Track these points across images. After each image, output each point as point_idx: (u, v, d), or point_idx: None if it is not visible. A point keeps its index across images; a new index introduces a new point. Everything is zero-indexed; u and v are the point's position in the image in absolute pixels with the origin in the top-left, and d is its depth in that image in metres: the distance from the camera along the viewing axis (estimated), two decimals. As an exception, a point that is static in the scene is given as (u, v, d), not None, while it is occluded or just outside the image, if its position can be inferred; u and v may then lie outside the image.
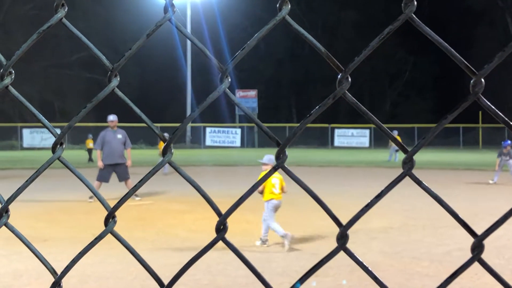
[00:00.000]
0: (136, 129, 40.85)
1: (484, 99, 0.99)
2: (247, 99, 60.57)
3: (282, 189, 9.17)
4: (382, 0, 64.12)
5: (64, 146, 1.20)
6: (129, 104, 1.17)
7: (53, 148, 1.19)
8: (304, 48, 71.24)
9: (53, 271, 1.23)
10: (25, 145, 52.96)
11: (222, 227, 1.12)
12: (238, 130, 57.68)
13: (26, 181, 1.23)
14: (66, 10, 1.17)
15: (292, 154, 40.23)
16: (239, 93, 61.00)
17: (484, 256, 1.01)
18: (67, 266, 1.22)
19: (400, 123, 53.74)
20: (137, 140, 49.83)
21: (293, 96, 73.64)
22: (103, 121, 15.50)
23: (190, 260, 1.15)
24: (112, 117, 14.94)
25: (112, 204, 1.21)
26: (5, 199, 1.28)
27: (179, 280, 1.19)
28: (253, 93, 61.34)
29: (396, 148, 31.75)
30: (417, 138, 51.35)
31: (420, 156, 33.19)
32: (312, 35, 1.11)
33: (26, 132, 53.26)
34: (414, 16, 1.00)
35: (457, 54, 0.99)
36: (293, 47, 68.62)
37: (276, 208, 9.07)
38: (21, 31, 54.04)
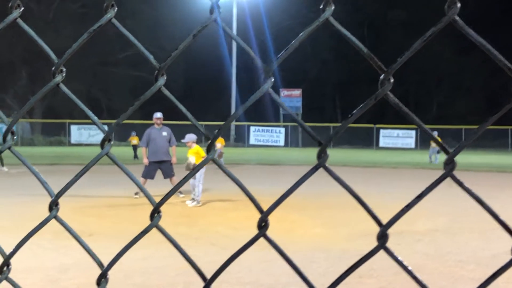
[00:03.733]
0: (181, 126, 41.06)
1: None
2: (291, 98, 60.46)
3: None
4: (430, -2, 63.16)
5: (112, 142, 1.24)
6: (175, 102, 1.20)
7: (102, 145, 1.23)
8: (349, 48, 70.65)
9: (100, 264, 1.27)
10: (73, 141, 54.18)
11: (263, 224, 1.14)
12: (282, 129, 57.62)
13: (76, 176, 1.27)
14: (116, 10, 1.21)
15: (337, 154, 40.11)
16: (284, 92, 60.95)
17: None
18: (113, 259, 1.26)
19: (447, 124, 52.91)
20: (182, 137, 50.25)
21: (338, 96, 73.27)
22: (149, 119, 15.71)
23: (232, 256, 1.18)
24: (158, 115, 15.12)
25: (157, 200, 1.25)
26: (55, 193, 1.32)
27: (222, 278, 1.21)
28: (297, 92, 61.21)
29: (437, 149, 31.26)
30: (465, 140, 50.44)
31: (467, 158, 32.54)
32: (357, 35, 1.12)
33: (74, 128, 54.48)
34: (457, 18, 1.00)
35: (501, 57, 0.98)
36: (338, 47, 68.19)
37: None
38: (70, 29, 55.26)
